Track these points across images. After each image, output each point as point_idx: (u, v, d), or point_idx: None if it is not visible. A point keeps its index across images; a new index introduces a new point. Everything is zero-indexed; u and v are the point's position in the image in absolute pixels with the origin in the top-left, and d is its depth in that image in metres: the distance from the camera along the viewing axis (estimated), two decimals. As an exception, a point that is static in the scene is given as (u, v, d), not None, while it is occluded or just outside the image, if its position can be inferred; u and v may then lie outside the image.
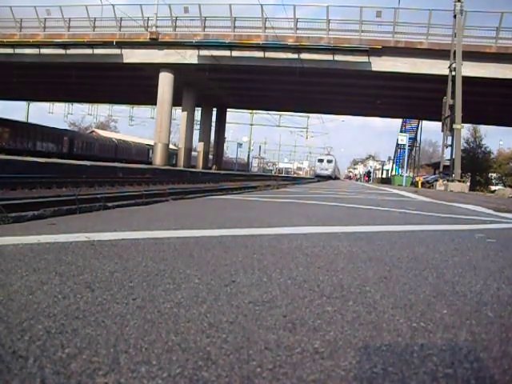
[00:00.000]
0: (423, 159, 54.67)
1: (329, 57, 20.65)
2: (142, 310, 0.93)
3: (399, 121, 43.39)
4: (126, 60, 21.70)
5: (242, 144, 51.63)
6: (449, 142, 19.66)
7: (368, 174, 56.20)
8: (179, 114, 29.12)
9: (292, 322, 0.91)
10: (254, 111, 47.34)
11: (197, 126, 30.53)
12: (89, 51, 21.66)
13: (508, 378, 0.71)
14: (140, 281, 1.15)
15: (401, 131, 41.92)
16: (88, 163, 13.56)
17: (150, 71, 21.98)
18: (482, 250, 1.99)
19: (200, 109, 29.28)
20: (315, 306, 1.02)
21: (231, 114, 40.54)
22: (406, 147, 33.22)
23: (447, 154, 20.05)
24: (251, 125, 52.23)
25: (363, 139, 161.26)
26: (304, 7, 33.18)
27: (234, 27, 21.23)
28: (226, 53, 20.73)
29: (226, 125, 35.71)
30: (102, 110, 51.19)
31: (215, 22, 21.83)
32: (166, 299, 1.01)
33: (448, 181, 19.05)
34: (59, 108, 47.96)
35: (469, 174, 26.94)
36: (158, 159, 22.21)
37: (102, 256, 1.41)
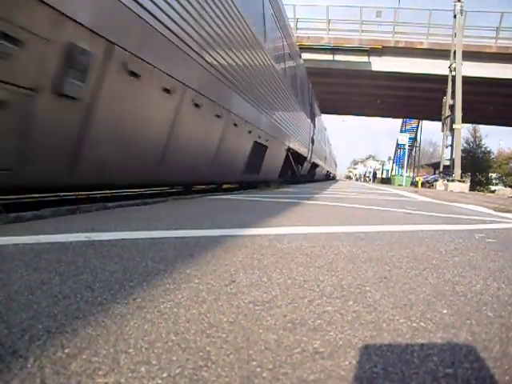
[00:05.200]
0: (423, 159, 54.57)
1: (329, 57, 20.68)
2: (142, 310, 0.93)
3: (399, 121, 43.37)
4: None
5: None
6: (449, 142, 19.69)
7: (374, 174, 55.18)
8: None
9: (292, 322, 0.91)
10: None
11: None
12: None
13: (508, 378, 0.71)
14: (140, 281, 1.15)
15: (401, 131, 41.93)
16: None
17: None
18: (482, 250, 1.99)
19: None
20: (315, 306, 1.02)
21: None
22: (406, 147, 33.26)
23: (447, 154, 20.08)
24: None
25: (363, 139, 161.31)
26: (303, 6, 33.09)
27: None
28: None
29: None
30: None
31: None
32: (166, 299, 1.01)
33: (448, 181, 19.07)
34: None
35: (469, 173, 26.96)
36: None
37: (101, 256, 1.41)
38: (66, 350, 0.72)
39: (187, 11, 3.69)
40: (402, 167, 37.52)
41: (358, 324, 0.92)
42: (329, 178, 29.61)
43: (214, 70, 4.50)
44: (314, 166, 15.73)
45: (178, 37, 3.57)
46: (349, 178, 79.12)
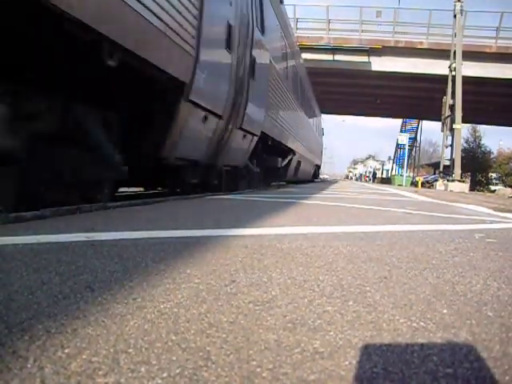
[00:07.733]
0: (423, 159, 54.50)
1: (329, 57, 20.68)
2: (142, 310, 0.93)
3: (399, 121, 43.30)
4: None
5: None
6: (449, 142, 19.68)
7: (374, 174, 55.11)
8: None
9: (292, 322, 0.91)
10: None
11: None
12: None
13: (508, 378, 0.71)
14: (140, 281, 1.15)
15: (401, 131, 41.90)
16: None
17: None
18: (482, 250, 1.99)
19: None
20: (315, 306, 1.02)
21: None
22: (406, 147, 33.24)
23: (447, 154, 20.07)
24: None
25: (363, 139, 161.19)
26: (303, 6, 33.07)
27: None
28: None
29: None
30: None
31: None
32: (166, 299, 1.01)
33: (448, 181, 19.06)
34: None
35: (469, 173, 26.96)
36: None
37: (102, 256, 1.41)
38: (66, 350, 0.72)
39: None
40: (402, 167, 37.50)
41: (358, 324, 0.92)
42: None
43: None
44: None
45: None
46: (348, 177, 78.95)
